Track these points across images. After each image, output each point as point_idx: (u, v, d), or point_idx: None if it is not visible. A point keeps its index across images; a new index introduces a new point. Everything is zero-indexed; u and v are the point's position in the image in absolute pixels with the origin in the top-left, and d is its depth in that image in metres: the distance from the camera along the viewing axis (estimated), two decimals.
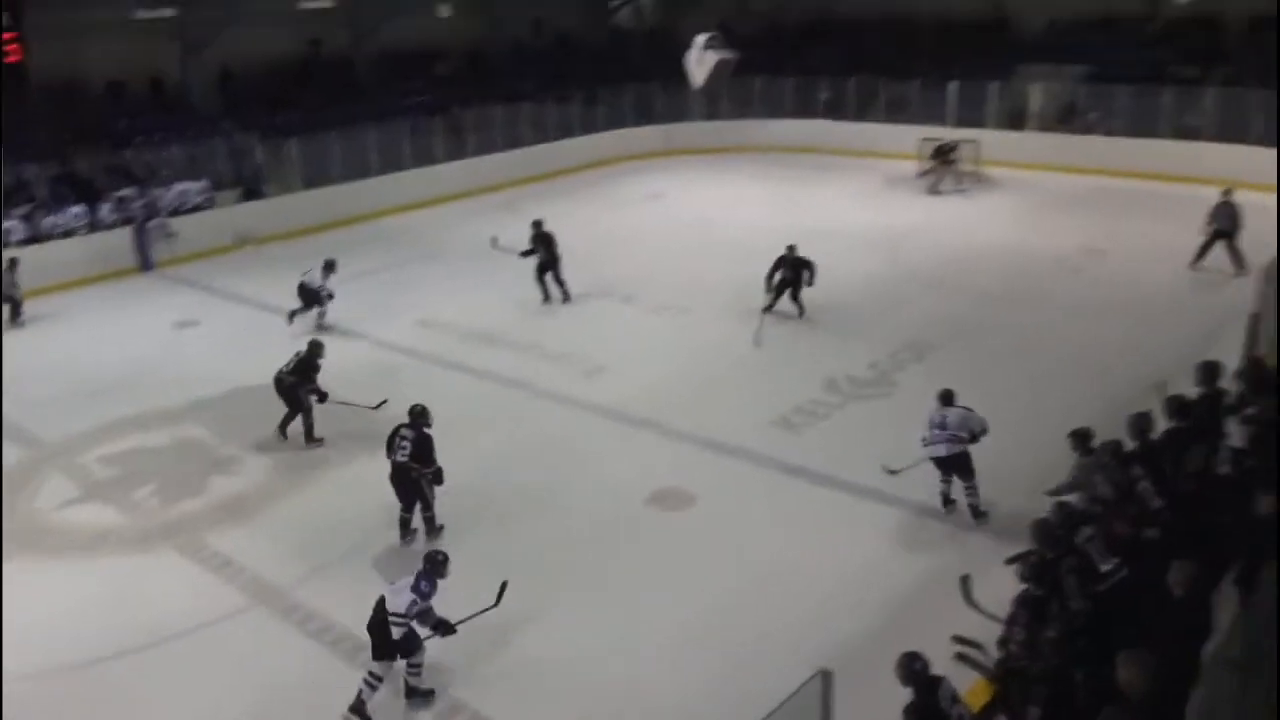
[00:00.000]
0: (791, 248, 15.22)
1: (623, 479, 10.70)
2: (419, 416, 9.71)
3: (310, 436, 11.82)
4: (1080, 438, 8.48)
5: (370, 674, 7.35)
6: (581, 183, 26.04)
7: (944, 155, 23.40)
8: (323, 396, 11.69)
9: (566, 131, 27.52)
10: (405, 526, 9.72)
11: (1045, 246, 18.50)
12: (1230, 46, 24.88)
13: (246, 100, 24.27)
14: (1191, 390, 8.94)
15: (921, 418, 9.74)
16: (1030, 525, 7.19)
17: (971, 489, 9.55)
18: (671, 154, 28.48)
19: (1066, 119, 25.42)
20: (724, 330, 15.04)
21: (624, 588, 8.88)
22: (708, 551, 9.35)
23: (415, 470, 9.51)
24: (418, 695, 7.55)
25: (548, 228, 16.52)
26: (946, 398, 9.72)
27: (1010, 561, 7.26)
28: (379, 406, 11.63)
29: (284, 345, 14.87)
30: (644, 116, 28.97)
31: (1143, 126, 23.63)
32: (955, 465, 9.50)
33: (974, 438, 9.40)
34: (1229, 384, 9.18)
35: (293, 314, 15.59)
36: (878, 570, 8.90)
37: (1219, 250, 16.37)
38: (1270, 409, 8.47)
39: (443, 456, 9.67)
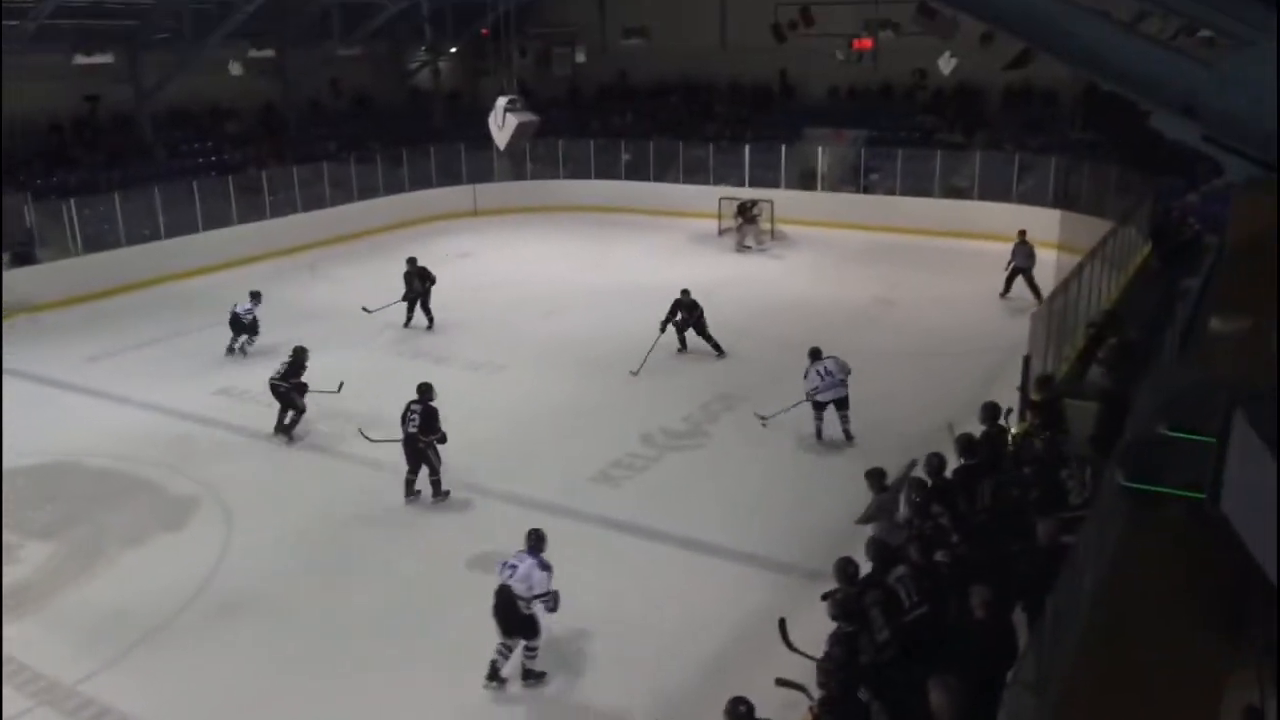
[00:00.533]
0: (685, 291, 16.32)
1: (442, 544, 10.47)
2: (425, 392, 11.31)
3: (288, 431, 13.23)
4: (875, 477, 9.07)
5: (501, 644, 8.16)
6: (389, 243, 25.55)
7: (746, 212, 24.48)
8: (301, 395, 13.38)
9: (371, 192, 27.07)
10: (409, 487, 11.33)
11: (842, 298, 19.59)
12: (990, 114, 27.35)
13: (18, 159, 22.59)
14: (978, 428, 9.64)
15: (736, 467, 10.04)
16: (834, 565, 7.52)
17: (846, 417, 12.38)
18: (479, 214, 28.49)
19: (851, 179, 27.16)
20: (539, 386, 15.07)
21: (449, 654, 8.65)
22: None
23: (422, 440, 11.04)
24: (532, 677, 8.20)
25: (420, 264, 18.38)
26: (816, 353, 12.49)
27: (824, 598, 7.57)
28: (339, 389, 13.63)
29: (60, 421, 13.93)
30: (449, 177, 28.91)
31: (918, 186, 25.63)
32: (842, 401, 12.29)
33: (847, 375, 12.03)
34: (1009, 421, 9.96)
35: (230, 346, 16.81)
36: (703, 619, 9.05)
37: (1019, 282, 18.79)
38: (1046, 444, 9.27)
39: (247, 526, 9.22)
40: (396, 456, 11.95)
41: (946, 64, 23.46)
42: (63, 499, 11.61)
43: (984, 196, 24.72)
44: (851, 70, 27.81)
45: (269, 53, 26.50)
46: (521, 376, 15.54)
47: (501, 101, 15.71)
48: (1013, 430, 10.19)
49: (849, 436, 12.47)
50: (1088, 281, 13.24)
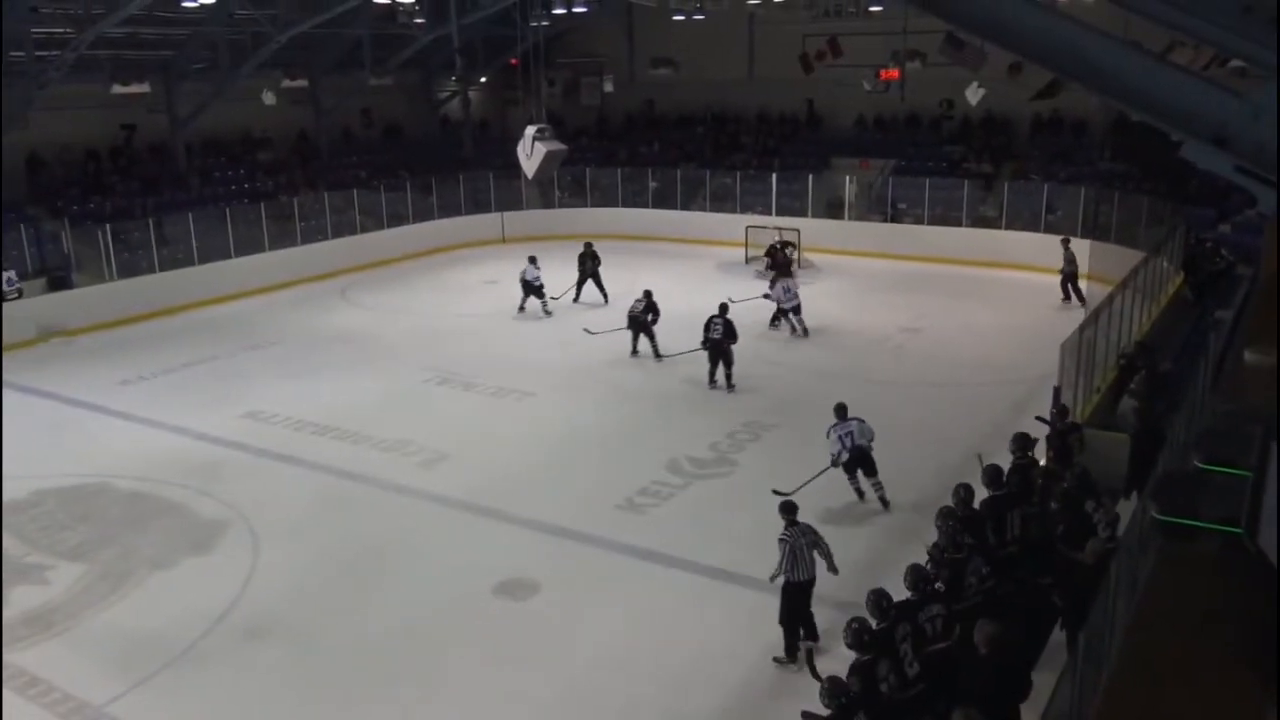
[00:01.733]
0: (724, 307, 16.67)
1: (466, 568, 10.47)
2: (724, 310, 15.98)
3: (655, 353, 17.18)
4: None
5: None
6: (417, 270, 25.84)
7: (776, 255, 23.27)
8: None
9: (400, 219, 27.37)
10: (711, 378, 15.74)
11: (869, 327, 19.52)
12: (1018, 144, 27.29)
13: (56, 186, 23.02)
14: (1008, 459, 9.55)
15: (762, 496, 9.99)
16: (866, 596, 7.36)
17: (879, 484, 11.53)
18: (506, 242, 28.68)
19: (878, 209, 27.12)
20: (565, 413, 15.08)
21: (470, 681, 8.63)
22: (556, 640, 9.22)
23: (725, 343, 15.49)
24: None
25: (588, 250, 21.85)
26: (842, 411, 11.92)
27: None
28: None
29: (91, 444, 14.09)
30: (478, 205, 29.17)
31: (946, 216, 25.58)
32: (870, 467, 11.57)
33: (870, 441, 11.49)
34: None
35: (520, 305, 20.87)
36: (728, 649, 8.98)
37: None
38: (1073, 476, 9.18)
39: (275, 550, 9.24)
40: (426, 481, 11.99)
41: (974, 94, 23.45)
42: (93, 521, 11.72)
43: (1012, 226, 24.63)
44: (879, 100, 27.84)
45: (302, 82, 26.90)
46: (548, 403, 15.57)
47: (530, 130, 15.87)
48: (1041, 461, 10.09)
49: (885, 504, 11.50)
50: (1118, 312, 13.13)
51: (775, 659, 8.70)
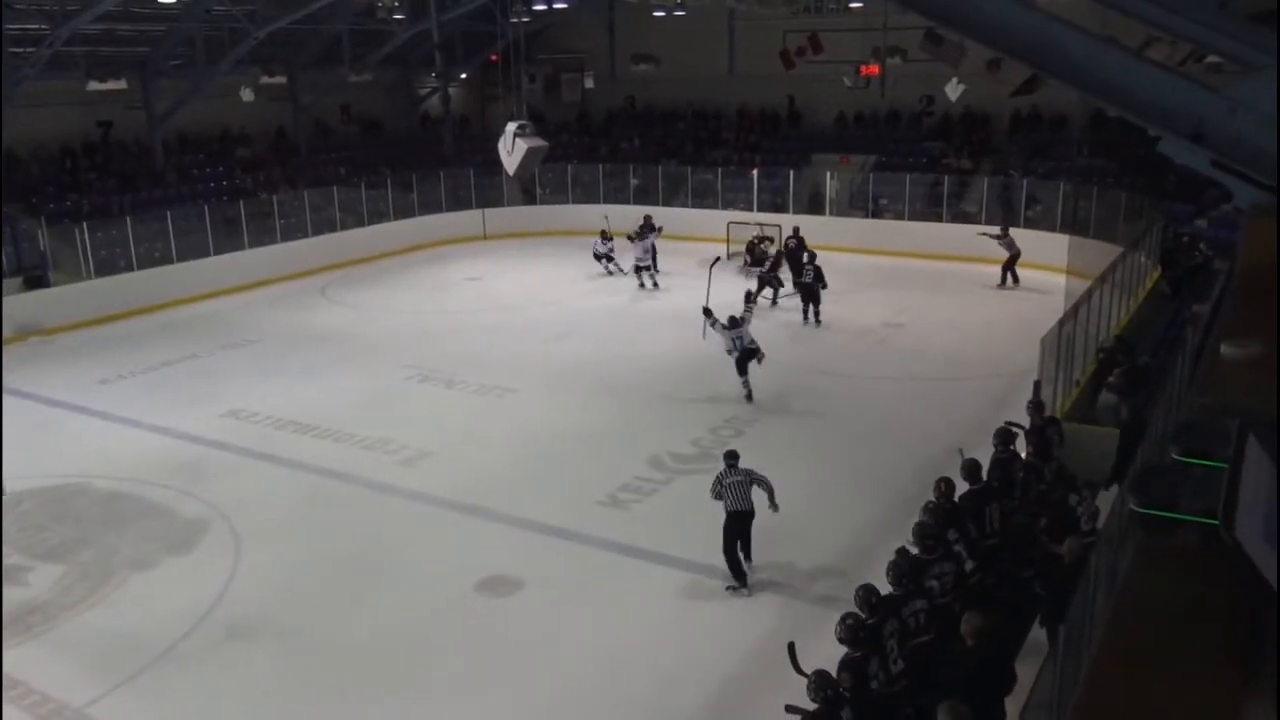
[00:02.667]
0: (812, 254, 19.52)
1: (448, 566, 10.45)
2: (814, 256, 19.13)
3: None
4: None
5: None
6: (398, 267, 25.74)
7: (754, 250, 23.71)
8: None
9: (381, 217, 27.25)
10: (805, 317, 19.10)
11: (850, 322, 19.58)
12: (997, 140, 27.43)
13: (32, 184, 22.80)
14: (989, 453, 9.60)
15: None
16: (855, 592, 7.35)
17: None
18: (488, 238, 28.61)
19: (859, 204, 27.20)
20: (547, 410, 15.07)
21: (454, 681, 8.62)
22: (541, 638, 9.22)
23: (816, 286, 18.79)
24: None
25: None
26: (736, 321, 14.78)
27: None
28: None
29: (70, 444, 13.99)
30: (459, 202, 29.08)
31: (926, 211, 25.69)
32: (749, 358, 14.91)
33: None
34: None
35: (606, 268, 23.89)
36: (712, 643, 9.00)
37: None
38: (1052, 470, 9.26)
39: (256, 550, 9.18)
40: (408, 479, 11.97)
41: (954, 90, 23.57)
42: (72, 521, 11.63)
43: (992, 221, 24.72)
44: (859, 96, 27.93)
45: (280, 79, 26.75)
46: (530, 400, 15.55)
47: (511, 127, 15.84)
48: (1023, 455, 10.16)
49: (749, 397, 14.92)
50: (1097, 307, 13.23)
51: (728, 588, 9.75)
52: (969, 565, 7.76)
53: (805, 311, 19.35)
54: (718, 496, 9.97)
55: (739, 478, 10.02)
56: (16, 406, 15.57)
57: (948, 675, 6.45)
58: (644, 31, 31.29)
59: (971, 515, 8.50)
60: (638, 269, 22.81)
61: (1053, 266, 21.28)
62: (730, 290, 22.51)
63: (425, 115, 33.33)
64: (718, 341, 15.51)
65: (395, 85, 32.00)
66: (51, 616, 9.68)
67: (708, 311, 15.04)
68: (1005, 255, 22.12)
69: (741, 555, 9.95)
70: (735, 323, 14.99)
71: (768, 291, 20.65)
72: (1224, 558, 3.69)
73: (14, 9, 19.45)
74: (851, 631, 6.70)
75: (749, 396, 14.99)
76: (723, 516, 9.88)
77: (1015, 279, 22.03)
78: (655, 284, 22.71)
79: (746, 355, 14.96)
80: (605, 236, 23.85)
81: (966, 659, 6.44)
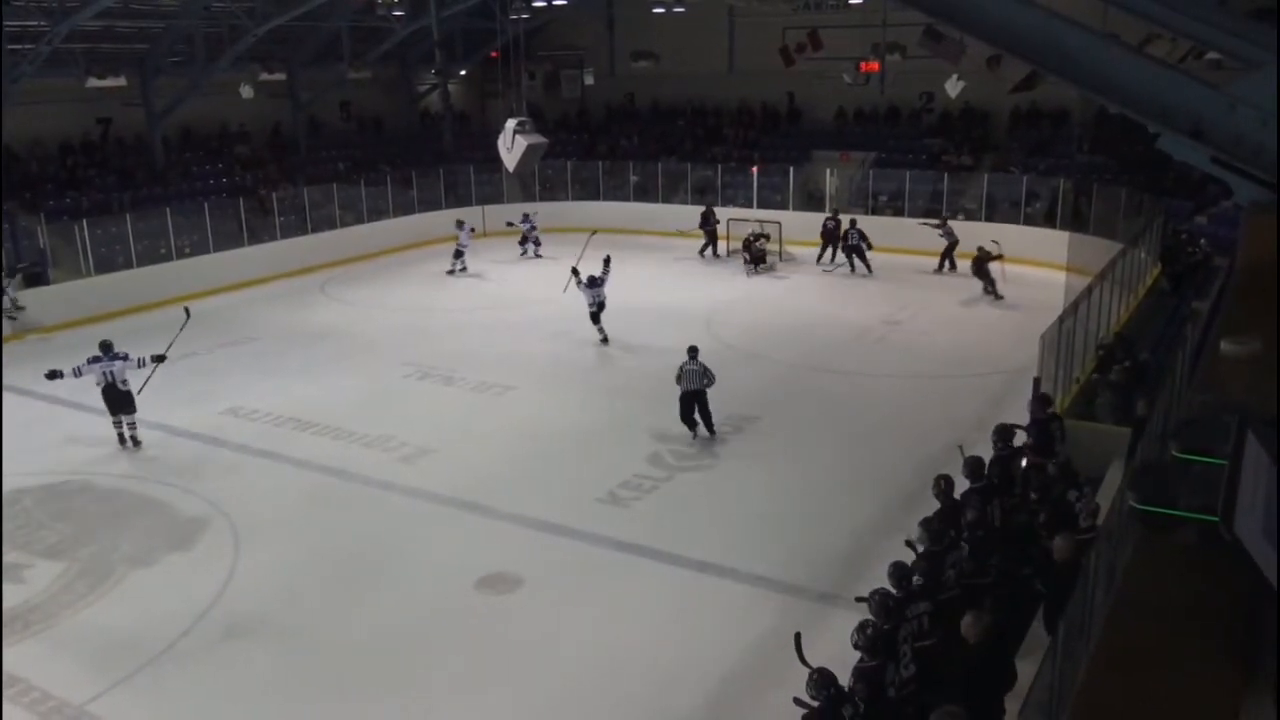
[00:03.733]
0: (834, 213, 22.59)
1: (449, 564, 10.45)
2: (856, 221, 21.22)
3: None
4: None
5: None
6: (397, 264, 25.73)
7: (750, 247, 24.15)
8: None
9: (380, 214, 27.24)
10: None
11: (849, 319, 19.58)
12: (997, 136, 27.41)
13: (31, 181, 22.78)
14: (989, 450, 9.60)
15: (744, 488, 10.01)
16: (870, 597, 7.24)
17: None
18: (487, 235, 28.57)
19: (859, 201, 27.18)
20: (546, 407, 15.07)
21: (454, 679, 8.62)
22: (541, 636, 9.21)
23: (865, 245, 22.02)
24: None
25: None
26: (593, 280, 17.39)
27: (860, 600, 7.33)
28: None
29: (69, 440, 13.99)
30: (458, 199, 29.07)
31: (926, 208, 25.66)
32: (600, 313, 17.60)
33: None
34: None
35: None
36: (712, 640, 8.99)
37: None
38: (1056, 466, 9.25)
39: (256, 547, 9.16)
40: (407, 476, 11.96)
41: (954, 87, 23.55)
42: (71, 518, 11.63)
43: (991, 218, 24.72)
44: (859, 93, 27.93)
45: (279, 76, 26.72)
46: (529, 397, 15.54)
47: (511, 124, 15.83)
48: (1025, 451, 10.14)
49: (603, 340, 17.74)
50: (1097, 303, 13.22)
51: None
52: (966, 562, 7.75)
53: (853, 265, 23.30)
54: (677, 380, 13.26)
55: (695, 368, 13.21)
56: (16, 403, 15.57)
57: (949, 675, 6.45)
58: (644, 28, 31.26)
59: (974, 512, 8.50)
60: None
61: (1052, 263, 21.29)
62: (730, 289, 22.58)
63: (425, 112, 33.30)
64: (720, 341, 15.52)
65: (394, 82, 31.97)
66: (51, 614, 9.67)
67: (575, 271, 17.88)
68: (945, 244, 23.15)
69: (701, 424, 13.32)
70: (594, 282, 17.76)
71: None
72: (1223, 554, 3.70)
73: (13, 6, 19.42)
74: (871, 641, 6.57)
75: (604, 340, 17.98)
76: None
77: (952, 265, 23.01)
78: (464, 268, 24.29)
79: (599, 310, 17.84)
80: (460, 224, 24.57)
81: (967, 658, 6.43)
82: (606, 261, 18.35)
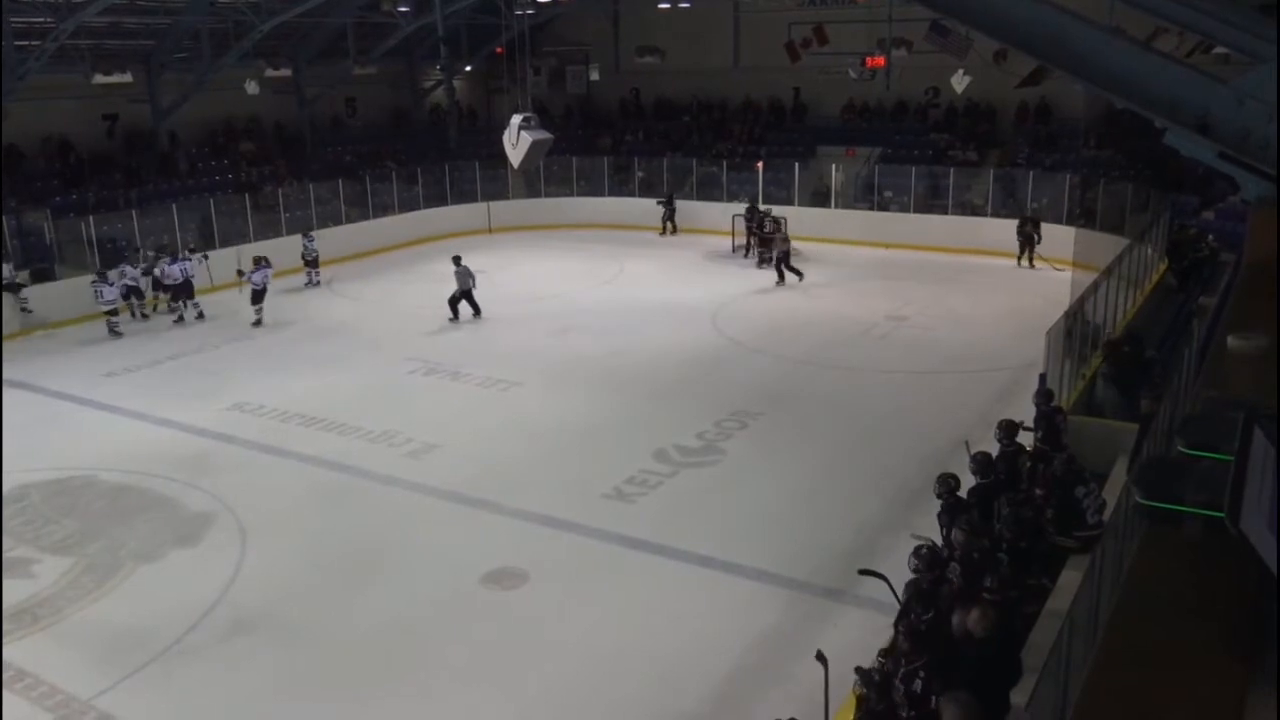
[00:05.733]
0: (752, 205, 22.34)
1: (455, 560, 10.47)
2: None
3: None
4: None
5: None
6: (402, 260, 25.75)
7: (760, 230, 24.26)
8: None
9: (385, 210, 27.28)
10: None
11: (855, 314, 19.56)
12: (1003, 131, 27.35)
13: (37, 178, 22.85)
14: (993, 446, 9.58)
15: (750, 484, 9.99)
16: (906, 588, 7.26)
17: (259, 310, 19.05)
18: (493, 231, 28.61)
19: (864, 196, 27.17)
20: (552, 403, 15.08)
21: (460, 674, 8.64)
22: (546, 632, 9.22)
23: None
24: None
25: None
26: (262, 260, 19.43)
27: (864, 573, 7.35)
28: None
29: (76, 436, 14.04)
30: (464, 195, 29.09)
31: (931, 203, 25.64)
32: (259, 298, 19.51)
33: None
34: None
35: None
36: (717, 636, 9.00)
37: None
38: (1060, 463, 9.21)
39: (262, 543, 9.20)
40: (413, 472, 11.97)
41: (960, 82, 23.51)
42: (78, 514, 11.67)
43: (998, 214, 24.68)
44: (865, 88, 27.89)
45: (285, 72, 26.76)
46: (535, 393, 15.56)
47: (516, 119, 15.81)
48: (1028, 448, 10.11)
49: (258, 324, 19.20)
50: (1103, 299, 13.18)
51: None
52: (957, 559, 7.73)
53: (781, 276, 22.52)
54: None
55: (462, 270, 18.76)
56: (23, 400, 15.63)
57: (961, 668, 6.43)
58: (648, 24, 31.23)
59: (979, 510, 8.49)
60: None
61: (1059, 259, 21.26)
62: (734, 285, 22.55)
63: (430, 108, 33.31)
64: (725, 337, 15.52)
65: (400, 78, 31.99)
66: (59, 609, 9.71)
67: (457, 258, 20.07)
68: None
69: (472, 310, 18.39)
70: (258, 264, 19.51)
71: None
72: (1229, 550, 3.69)
73: (19, 2, 19.47)
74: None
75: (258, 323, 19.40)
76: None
77: (793, 273, 22.56)
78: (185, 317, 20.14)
79: (258, 295, 19.48)
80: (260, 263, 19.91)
81: (974, 652, 6.42)
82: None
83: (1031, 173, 24.81)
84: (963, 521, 8.05)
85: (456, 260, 20.03)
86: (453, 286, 19.69)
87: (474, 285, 19.85)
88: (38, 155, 23.54)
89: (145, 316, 20.37)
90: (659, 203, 28.00)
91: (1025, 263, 22.88)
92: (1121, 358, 11.88)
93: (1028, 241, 22.84)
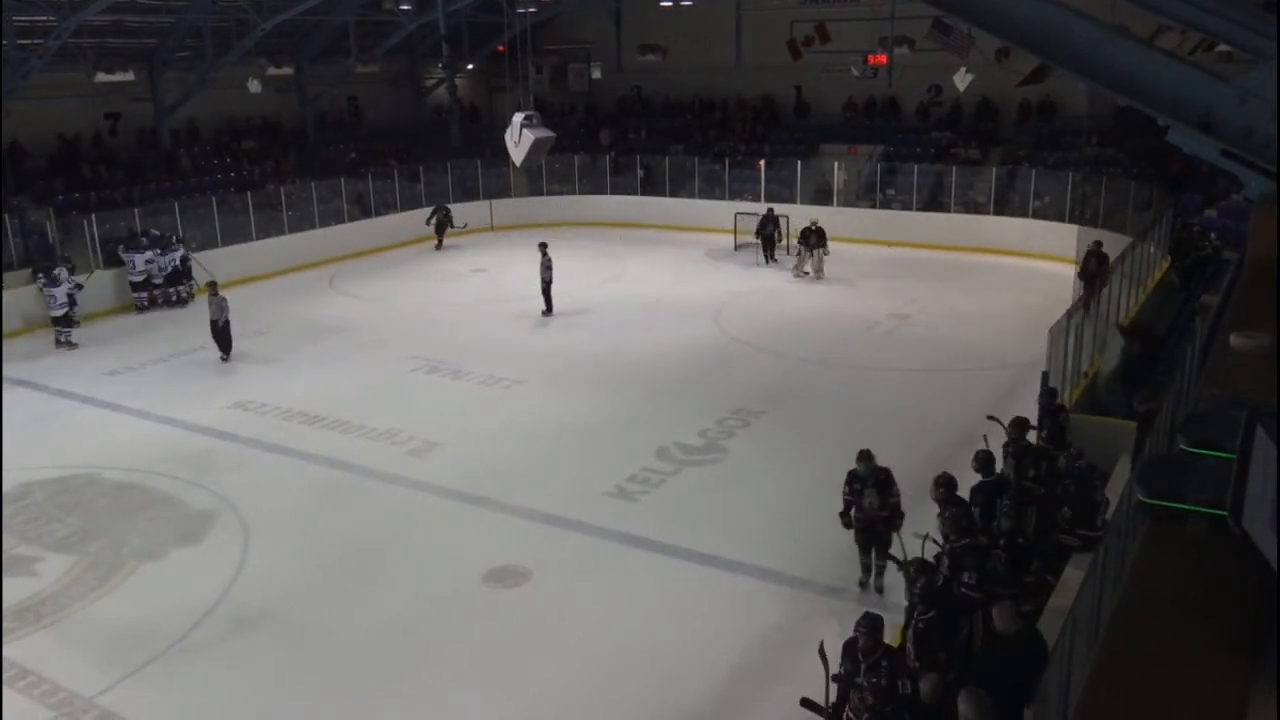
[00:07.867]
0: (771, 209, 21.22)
1: (458, 558, 10.48)
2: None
3: None
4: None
5: None
6: (404, 258, 25.77)
7: (808, 240, 22.86)
8: None
9: (388, 208, 27.30)
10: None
11: (857, 312, 19.55)
12: (1006, 130, 27.31)
13: (40, 176, 22.86)
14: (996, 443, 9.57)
15: (752, 482, 10.00)
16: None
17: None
18: (495, 229, 28.61)
19: (867, 195, 27.14)
20: (554, 401, 15.08)
21: (462, 672, 8.64)
22: (548, 630, 9.23)
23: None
24: None
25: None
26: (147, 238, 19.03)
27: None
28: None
29: (78, 435, 14.05)
30: (465, 193, 29.09)
31: (934, 201, 25.62)
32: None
33: None
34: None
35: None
36: (718, 633, 9.01)
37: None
38: (1068, 459, 9.20)
39: (264, 541, 9.21)
40: (415, 470, 11.98)
41: (962, 80, 23.49)
42: (81, 512, 11.69)
43: (1000, 211, 24.67)
44: (867, 86, 27.85)
45: (287, 70, 26.75)
46: (537, 391, 15.56)
47: (518, 118, 15.82)
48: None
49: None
50: (1106, 297, 13.18)
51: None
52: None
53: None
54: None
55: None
56: (26, 397, 15.65)
57: (991, 665, 6.43)
58: (651, 22, 31.20)
59: (980, 508, 8.48)
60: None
61: (1061, 257, 21.25)
62: (736, 283, 22.54)
63: (433, 106, 33.31)
64: (728, 335, 15.50)
65: (402, 76, 31.98)
66: (62, 607, 9.72)
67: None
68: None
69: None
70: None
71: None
72: (1232, 549, 3.68)
73: (22, 0, 19.46)
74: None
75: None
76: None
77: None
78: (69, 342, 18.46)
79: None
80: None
81: (1009, 647, 6.39)
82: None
83: (1034, 171, 24.78)
84: (947, 516, 8.07)
85: (543, 248, 19.65)
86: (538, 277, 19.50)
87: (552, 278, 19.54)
88: (40, 154, 23.52)
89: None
90: (432, 214, 26.74)
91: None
92: (1132, 355, 11.86)
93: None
